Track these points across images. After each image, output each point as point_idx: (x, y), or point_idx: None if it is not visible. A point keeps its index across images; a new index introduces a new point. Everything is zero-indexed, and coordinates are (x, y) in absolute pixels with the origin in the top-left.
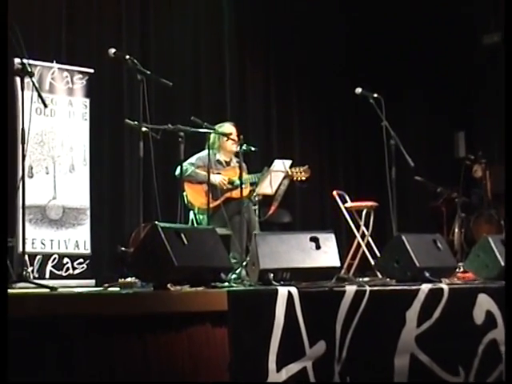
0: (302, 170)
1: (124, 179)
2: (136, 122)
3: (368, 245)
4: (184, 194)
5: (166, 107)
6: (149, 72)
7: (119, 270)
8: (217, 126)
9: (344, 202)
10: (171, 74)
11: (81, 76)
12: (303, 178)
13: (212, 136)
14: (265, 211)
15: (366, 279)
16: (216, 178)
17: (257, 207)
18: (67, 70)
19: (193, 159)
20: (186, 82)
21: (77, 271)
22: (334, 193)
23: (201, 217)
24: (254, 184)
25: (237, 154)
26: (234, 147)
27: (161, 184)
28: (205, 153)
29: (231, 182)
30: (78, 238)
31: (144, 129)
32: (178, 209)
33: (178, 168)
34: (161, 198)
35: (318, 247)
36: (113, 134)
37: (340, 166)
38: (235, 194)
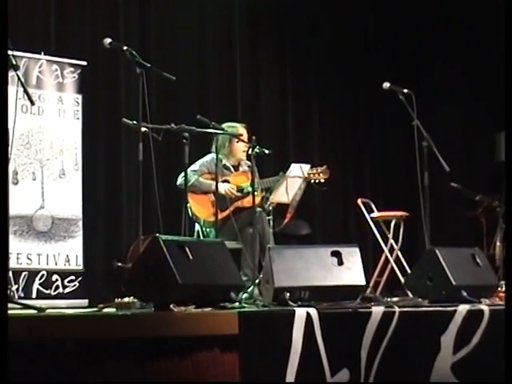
0: (319, 170)
1: (121, 186)
2: (135, 122)
3: (397, 260)
4: (188, 205)
5: (168, 105)
6: (149, 65)
7: (115, 288)
8: (225, 126)
9: (370, 211)
10: (174, 67)
11: (72, 69)
12: (322, 180)
13: (221, 138)
14: (279, 221)
15: (395, 299)
16: (223, 187)
17: (271, 217)
18: (57, 62)
19: (196, 166)
20: (192, 76)
21: (67, 290)
22: (359, 201)
23: (208, 229)
24: (267, 191)
25: (248, 158)
26: (243, 152)
27: (163, 191)
28: (210, 157)
29: (240, 190)
30: (68, 253)
31: (144, 129)
32: (182, 219)
33: (181, 176)
34: (162, 207)
35: (340, 263)
36: (108, 134)
37: (365, 170)
38: (246, 202)
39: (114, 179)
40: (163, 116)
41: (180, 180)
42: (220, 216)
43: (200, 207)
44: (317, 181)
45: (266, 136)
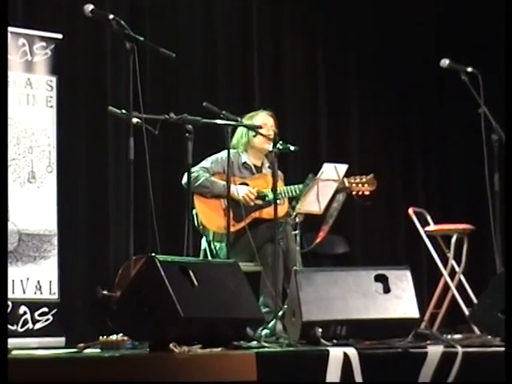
0: (364, 180)
1: (107, 192)
2: (124, 111)
3: (460, 286)
4: (194, 212)
5: (166, 89)
6: (142, 38)
7: (100, 323)
8: (247, 116)
9: (425, 223)
10: (174, 42)
11: (44, 44)
12: (366, 193)
13: (239, 131)
14: (309, 238)
15: (458, 336)
16: (240, 191)
17: (298, 232)
18: (24, 35)
19: (207, 162)
20: (196, 53)
21: (39, 325)
22: (411, 211)
23: (217, 246)
24: (294, 199)
25: (269, 156)
26: (267, 145)
27: (160, 199)
28: (225, 154)
29: (262, 196)
30: (40, 278)
31: (135, 120)
32: (185, 234)
33: (186, 175)
34: (159, 219)
35: (386, 290)
36: (91, 127)
37: (418, 172)
38: (267, 213)
39: (99, 184)
40: (160, 104)
41: (186, 179)
42: (233, 228)
43: (210, 215)
44: (360, 193)
45: (291, 129)
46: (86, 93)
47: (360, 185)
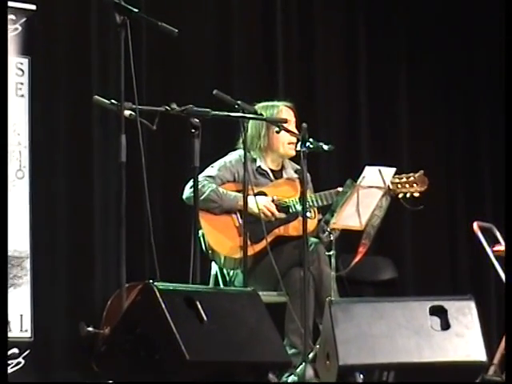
0: (412, 179)
1: (93, 204)
2: (113, 101)
3: None
4: (201, 232)
5: (167, 75)
6: (136, 10)
7: (84, 367)
8: (259, 107)
9: (493, 241)
10: (177, 14)
11: (12, 17)
12: (416, 194)
13: (252, 125)
14: (347, 259)
15: None
16: (257, 203)
17: (333, 253)
18: None
19: (213, 169)
20: (205, 29)
21: (8, 370)
22: (475, 226)
23: (231, 272)
24: (327, 211)
25: (294, 158)
26: (291, 150)
27: (159, 212)
28: (236, 156)
29: (284, 208)
30: (8, 311)
31: (128, 112)
32: (191, 256)
33: (189, 186)
34: (159, 237)
35: (445, 326)
36: (72, 121)
37: (485, 178)
38: (293, 229)
39: (82, 193)
40: (159, 92)
41: (188, 192)
42: (251, 251)
43: (220, 236)
44: (407, 194)
45: (323, 125)
46: (65, 79)
47: (407, 185)
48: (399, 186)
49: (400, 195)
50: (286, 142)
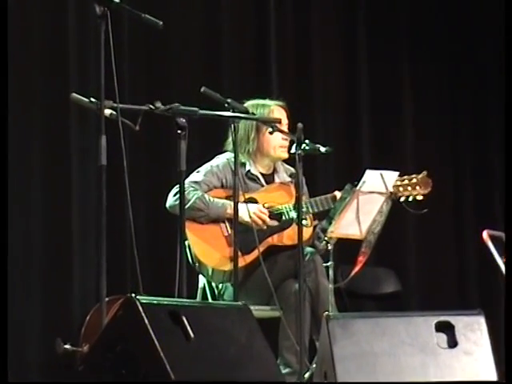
0: (414, 180)
1: (70, 211)
2: (93, 99)
3: None
4: (186, 243)
5: (151, 71)
6: (118, 0)
7: None
8: (248, 105)
9: (504, 251)
10: (163, 5)
11: None
12: (419, 197)
13: (241, 126)
14: (346, 270)
15: None
16: (248, 210)
17: (330, 263)
18: None
19: (198, 175)
20: (193, 20)
21: None
22: (485, 234)
23: (220, 285)
24: (324, 217)
25: (288, 160)
26: (283, 152)
27: (142, 220)
28: (224, 160)
29: (277, 215)
30: None
31: (109, 111)
32: (177, 268)
33: (173, 193)
34: (142, 248)
35: (452, 343)
36: (47, 121)
37: (494, 182)
38: (287, 237)
39: (59, 200)
40: (143, 90)
41: (172, 200)
42: (242, 262)
43: (207, 247)
44: (410, 198)
45: (320, 126)
46: (40, 74)
47: (409, 187)
48: (401, 188)
49: (402, 198)
50: (278, 146)
